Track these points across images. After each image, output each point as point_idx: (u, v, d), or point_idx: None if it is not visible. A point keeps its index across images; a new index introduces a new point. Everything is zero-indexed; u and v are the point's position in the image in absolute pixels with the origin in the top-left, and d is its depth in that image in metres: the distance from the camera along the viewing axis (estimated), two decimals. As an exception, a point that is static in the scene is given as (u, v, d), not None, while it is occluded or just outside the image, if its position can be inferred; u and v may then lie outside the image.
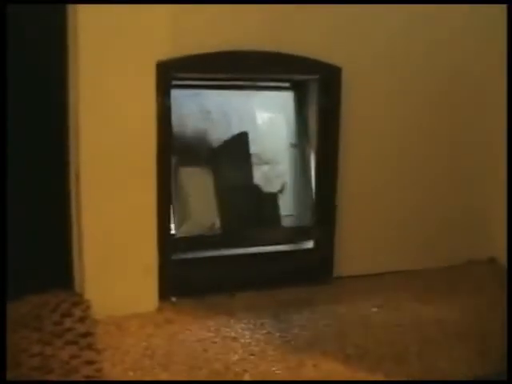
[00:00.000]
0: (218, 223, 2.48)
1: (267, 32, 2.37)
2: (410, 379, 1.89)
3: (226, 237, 2.49)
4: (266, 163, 2.56)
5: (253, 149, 2.56)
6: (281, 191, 2.60)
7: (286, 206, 2.63)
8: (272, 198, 2.56)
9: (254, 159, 2.56)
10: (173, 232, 2.40)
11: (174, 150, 2.34)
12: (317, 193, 2.56)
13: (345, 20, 2.49)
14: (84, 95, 2.09)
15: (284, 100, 2.66)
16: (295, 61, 2.41)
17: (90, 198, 2.14)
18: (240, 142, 2.52)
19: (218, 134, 2.53)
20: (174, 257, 2.36)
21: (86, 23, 2.06)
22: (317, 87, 2.53)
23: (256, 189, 2.55)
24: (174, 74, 2.28)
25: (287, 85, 2.65)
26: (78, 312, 2.06)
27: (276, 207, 2.56)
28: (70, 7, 2.09)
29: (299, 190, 2.64)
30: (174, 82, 2.30)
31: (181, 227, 2.42)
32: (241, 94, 2.60)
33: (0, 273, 1.71)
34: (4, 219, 1.78)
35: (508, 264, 2.47)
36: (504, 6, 2.55)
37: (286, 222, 2.62)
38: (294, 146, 2.63)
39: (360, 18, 2.51)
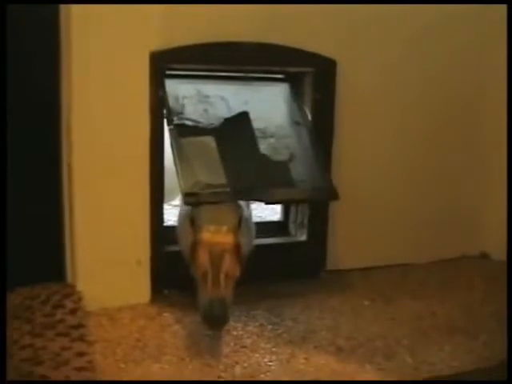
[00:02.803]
0: (225, 182, 2.27)
1: (261, 23, 2.34)
2: (401, 373, 1.89)
3: (237, 194, 2.27)
4: (271, 136, 2.48)
5: (255, 124, 2.44)
6: (290, 160, 2.48)
7: (297, 174, 2.42)
8: (282, 165, 2.41)
9: (258, 133, 2.44)
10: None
11: (173, 124, 2.29)
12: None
13: (340, 12, 2.47)
14: (77, 84, 2.07)
15: (278, 92, 2.62)
16: (289, 53, 2.40)
17: (82, 189, 2.13)
18: (242, 119, 2.43)
19: (218, 113, 2.45)
20: (167, 249, 2.35)
21: (78, 13, 2.04)
22: (311, 80, 2.51)
23: (264, 157, 2.40)
24: (167, 64, 2.26)
25: (281, 77, 2.63)
26: (69, 304, 2.04)
27: (287, 172, 2.39)
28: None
29: (310, 159, 2.48)
30: (168, 72, 2.29)
31: (188, 185, 2.21)
32: (235, 84, 2.56)
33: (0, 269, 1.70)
34: (4, 214, 1.77)
35: (508, 259, 2.47)
36: (504, 6, 2.55)
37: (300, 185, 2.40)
38: (297, 123, 2.55)
39: (355, 10, 2.49)
